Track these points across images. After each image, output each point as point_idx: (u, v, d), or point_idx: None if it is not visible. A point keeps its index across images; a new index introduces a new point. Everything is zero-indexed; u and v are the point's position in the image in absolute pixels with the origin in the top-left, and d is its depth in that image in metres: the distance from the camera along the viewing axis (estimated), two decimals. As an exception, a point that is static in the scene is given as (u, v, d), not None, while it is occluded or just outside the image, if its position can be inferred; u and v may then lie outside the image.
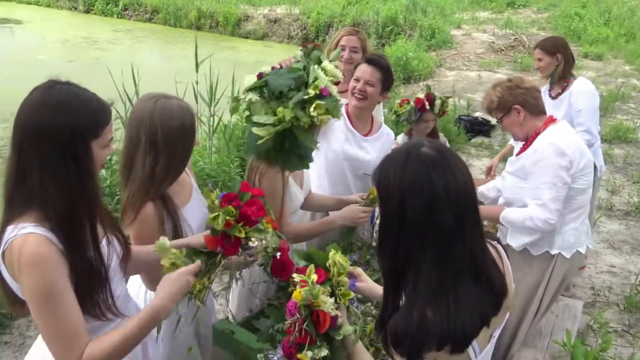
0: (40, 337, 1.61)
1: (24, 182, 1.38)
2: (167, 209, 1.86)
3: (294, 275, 1.55)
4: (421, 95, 3.63)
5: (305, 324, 1.48)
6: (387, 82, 2.67)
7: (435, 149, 1.28)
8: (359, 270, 1.79)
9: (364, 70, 2.63)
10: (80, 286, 1.41)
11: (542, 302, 2.59)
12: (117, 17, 16.48)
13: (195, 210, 2.00)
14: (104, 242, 1.53)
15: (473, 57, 11.59)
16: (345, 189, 2.76)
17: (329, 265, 1.62)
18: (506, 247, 2.52)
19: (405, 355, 1.25)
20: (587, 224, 2.64)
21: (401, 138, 3.80)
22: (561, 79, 3.61)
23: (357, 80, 2.64)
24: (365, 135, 2.79)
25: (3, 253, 1.37)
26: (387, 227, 1.30)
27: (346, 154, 2.72)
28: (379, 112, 3.30)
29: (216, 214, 1.58)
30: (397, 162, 1.28)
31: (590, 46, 11.85)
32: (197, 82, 5.01)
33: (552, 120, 2.51)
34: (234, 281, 1.82)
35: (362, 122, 2.78)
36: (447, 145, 3.85)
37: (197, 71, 4.97)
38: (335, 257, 1.52)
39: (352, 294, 1.56)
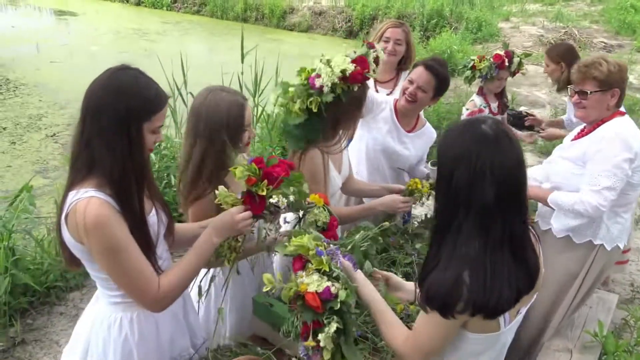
0: (90, 305, 1.78)
1: (86, 150, 1.54)
2: None
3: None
4: (500, 52, 3.68)
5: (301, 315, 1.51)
6: (440, 90, 2.69)
7: (493, 129, 1.36)
8: (385, 274, 1.85)
9: (420, 75, 2.64)
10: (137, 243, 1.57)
11: (579, 293, 2.60)
12: (167, 10, 16.89)
13: None
14: (153, 212, 1.68)
15: (520, 51, 11.36)
16: (382, 178, 2.85)
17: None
18: (545, 233, 2.58)
19: (438, 311, 1.35)
20: (630, 221, 2.63)
21: (477, 100, 3.86)
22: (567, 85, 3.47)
23: (411, 82, 2.66)
24: (409, 131, 2.84)
25: (66, 216, 1.52)
26: (438, 189, 1.42)
27: (386, 146, 2.79)
28: None
29: (237, 166, 1.69)
30: (456, 131, 1.40)
31: (645, 40, 11.42)
32: (242, 73, 5.16)
33: (620, 113, 2.47)
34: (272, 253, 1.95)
35: (407, 119, 2.84)
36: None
37: (242, 62, 5.12)
38: (303, 240, 1.55)
39: (325, 245, 1.58)
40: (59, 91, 8.77)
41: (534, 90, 8.70)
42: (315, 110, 2.07)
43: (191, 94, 5.13)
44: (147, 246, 1.60)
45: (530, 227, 1.51)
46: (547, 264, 2.61)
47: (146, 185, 1.65)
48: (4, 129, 7.20)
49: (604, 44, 11.63)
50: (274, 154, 5.12)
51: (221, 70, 5.54)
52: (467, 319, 1.37)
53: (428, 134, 2.92)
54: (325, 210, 1.91)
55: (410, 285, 1.82)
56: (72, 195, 1.52)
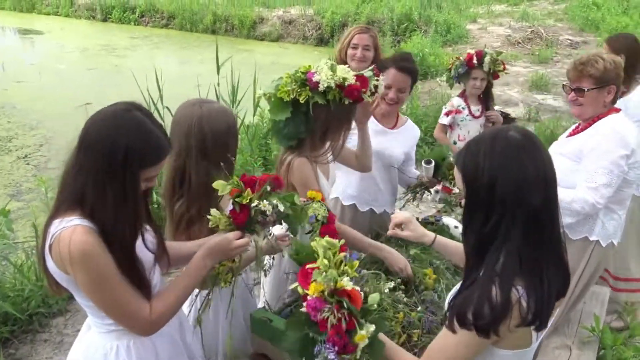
0: (81, 334, 1.70)
1: (75, 183, 1.46)
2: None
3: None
4: (472, 51, 3.68)
5: (344, 307, 1.43)
6: (414, 82, 2.73)
7: (522, 134, 1.35)
8: (406, 217, 1.89)
9: (397, 79, 2.64)
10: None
11: (576, 290, 2.60)
12: (135, 24, 16.70)
13: None
14: (140, 238, 1.60)
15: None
16: (372, 182, 2.82)
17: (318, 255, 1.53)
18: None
19: (481, 328, 1.28)
20: (624, 218, 2.62)
21: (456, 100, 3.85)
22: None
23: (389, 87, 2.65)
24: (391, 128, 2.85)
25: (50, 245, 1.44)
26: (475, 206, 1.35)
27: (372, 147, 2.77)
28: None
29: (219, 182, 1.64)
30: (486, 144, 1.34)
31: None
32: (218, 84, 5.10)
33: (615, 109, 2.47)
34: (264, 272, 1.89)
35: (388, 119, 2.85)
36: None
37: (218, 73, 5.06)
38: (322, 242, 1.51)
39: (357, 263, 1.54)
40: (29, 111, 8.56)
41: (507, 89, 8.82)
42: (302, 101, 2.02)
43: (167, 108, 5.07)
44: (137, 275, 1.53)
45: None
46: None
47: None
48: (-28, 152, 6.99)
49: (569, 41, 11.90)
50: (254, 165, 5.07)
51: (197, 82, 5.47)
52: (506, 335, 1.31)
53: (411, 130, 2.93)
54: (323, 206, 1.88)
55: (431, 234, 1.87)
56: (56, 224, 1.44)
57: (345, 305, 1.39)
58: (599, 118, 2.44)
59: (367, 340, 1.38)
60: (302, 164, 2.17)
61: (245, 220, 1.65)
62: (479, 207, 1.34)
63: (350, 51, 3.21)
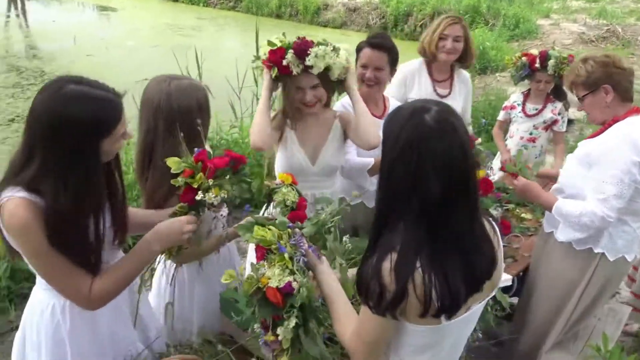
0: (32, 292, 1.73)
1: (29, 161, 1.45)
2: None
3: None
4: (535, 52, 3.50)
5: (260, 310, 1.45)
6: (394, 60, 2.62)
7: (437, 119, 1.25)
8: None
9: (370, 57, 2.57)
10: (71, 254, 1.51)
11: (580, 304, 2.41)
12: (203, 5, 17.07)
13: None
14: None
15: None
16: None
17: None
18: (549, 236, 2.41)
19: (374, 307, 1.26)
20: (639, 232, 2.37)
21: (514, 96, 3.72)
22: None
23: (365, 66, 2.59)
24: (380, 117, 2.72)
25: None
26: (380, 180, 1.32)
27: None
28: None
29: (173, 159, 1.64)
30: (399, 121, 1.28)
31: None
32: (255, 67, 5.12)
33: (636, 110, 2.25)
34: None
35: (374, 103, 2.73)
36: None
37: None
38: (265, 232, 1.47)
39: (290, 232, 1.51)
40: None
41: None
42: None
43: (206, 86, 5.15)
44: (83, 249, 1.53)
45: (487, 218, 1.42)
46: (550, 270, 2.47)
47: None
48: (34, 119, 7.38)
49: (649, 42, 11.10)
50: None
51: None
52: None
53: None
54: (293, 189, 1.83)
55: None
56: (6, 192, 1.45)
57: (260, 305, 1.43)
58: (614, 121, 2.24)
59: (284, 334, 1.41)
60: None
61: (192, 203, 1.65)
62: (381, 183, 1.31)
63: (440, 42, 3.09)
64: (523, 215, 2.92)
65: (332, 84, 2.35)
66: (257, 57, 2.34)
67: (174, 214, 1.69)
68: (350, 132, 2.42)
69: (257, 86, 4.96)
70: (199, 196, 1.62)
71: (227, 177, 1.68)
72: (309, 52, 2.19)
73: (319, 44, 2.24)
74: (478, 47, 9.18)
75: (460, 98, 3.32)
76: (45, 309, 1.62)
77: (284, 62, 2.21)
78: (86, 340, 1.66)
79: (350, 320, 1.41)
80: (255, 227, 1.51)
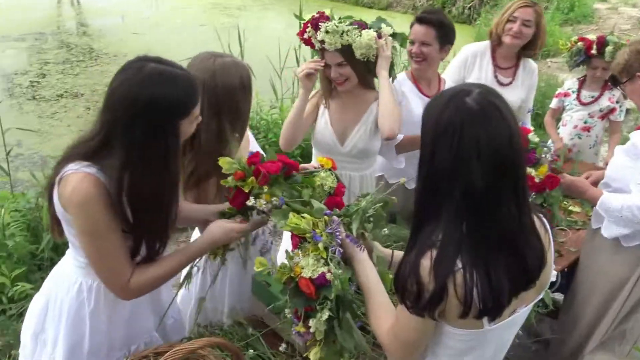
0: (60, 261, 1.75)
1: (105, 146, 1.44)
2: None
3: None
4: (593, 37, 3.35)
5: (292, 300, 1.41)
6: (445, 36, 2.51)
7: (480, 102, 1.15)
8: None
9: (417, 31, 2.51)
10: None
11: (627, 302, 2.29)
12: (250, -15, 17.06)
13: None
14: None
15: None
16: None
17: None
18: (595, 232, 2.30)
19: (412, 307, 1.19)
20: None
21: (569, 82, 3.57)
22: None
23: (412, 42, 2.52)
24: (431, 97, 2.65)
25: (60, 179, 1.45)
26: (420, 169, 1.24)
27: (415, 115, 2.62)
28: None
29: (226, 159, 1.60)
30: (438, 106, 1.19)
31: None
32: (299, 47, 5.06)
33: None
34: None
35: (427, 82, 2.66)
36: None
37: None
38: (299, 220, 1.41)
39: (326, 219, 1.45)
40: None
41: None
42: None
43: (248, 66, 5.13)
44: (149, 235, 1.54)
45: (538, 215, 1.31)
46: (597, 267, 2.34)
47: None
48: (82, 95, 7.57)
49: None
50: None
51: (298, 44, 5.47)
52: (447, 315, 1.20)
53: None
54: (332, 174, 1.78)
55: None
56: (72, 165, 1.44)
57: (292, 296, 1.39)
58: None
59: (316, 326, 1.35)
60: None
61: (240, 207, 1.62)
62: (421, 172, 1.22)
63: (507, 24, 2.96)
64: (571, 207, 2.78)
65: (365, 64, 2.28)
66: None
67: (222, 214, 1.69)
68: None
69: (298, 66, 4.90)
70: (250, 202, 1.57)
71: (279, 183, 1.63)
72: (319, 26, 2.17)
73: (340, 20, 2.19)
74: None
75: (522, 89, 3.17)
76: (72, 285, 1.62)
77: (305, 35, 2.26)
78: (105, 324, 1.66)
79: (387, 316, 1.33)
80: (290, 214, 1.45)
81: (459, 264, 1.13)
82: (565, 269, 2.53)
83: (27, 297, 2.97)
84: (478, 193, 1.13)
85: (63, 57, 9.28)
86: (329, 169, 1.77)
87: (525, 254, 1.19)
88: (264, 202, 1.55)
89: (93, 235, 1.46)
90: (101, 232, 1.45)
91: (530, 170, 2.18)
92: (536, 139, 2.30)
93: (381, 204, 1.64)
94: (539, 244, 1.24)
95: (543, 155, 2.24)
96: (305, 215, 1.45)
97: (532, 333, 2.83)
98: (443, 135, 1.15)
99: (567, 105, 3.55)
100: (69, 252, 1.66)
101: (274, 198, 1.55)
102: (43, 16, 12.26)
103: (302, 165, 2.14)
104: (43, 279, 3.22)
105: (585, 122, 3.50)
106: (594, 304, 2.37)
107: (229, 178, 1.60)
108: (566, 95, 3.56)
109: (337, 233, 1.42)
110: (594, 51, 3.30)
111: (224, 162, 1.59)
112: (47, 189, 1.54)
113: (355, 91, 2.37)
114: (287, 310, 1.44)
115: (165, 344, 1.63)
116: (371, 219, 1.61)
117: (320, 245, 1.37)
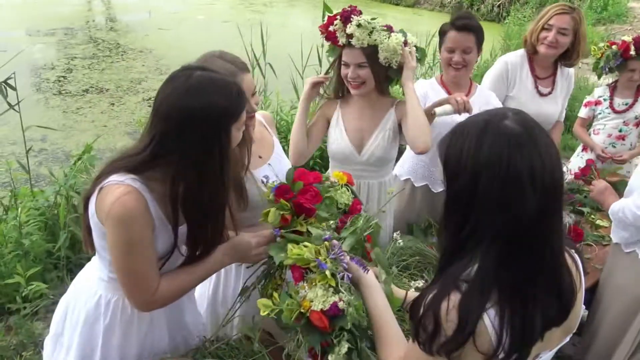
0: (83, 269, 1.72)
1: (156, 163, 1.42)
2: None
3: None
4: (628, 38, 3.22)
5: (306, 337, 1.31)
6: (482, 39, 2.45)
7: (521, 123, 1.07)
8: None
9: (457, 40, 2.42)
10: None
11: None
12: (275, -19, 17.03)
13: (277, 163, 2.01)
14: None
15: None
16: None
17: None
18: (616, 247, 2.19)
19: (423, 343, 1.10)
20: None
21: (599, 90, 3.44)
22: None
23: (452, 51, 2.44)
24: None
25: (100, 189, 1.42)
26: (454, 204, 1.12)
27: (450, 120, 2.57)
28: None
29: (268, 210, 1.52)
30: (473, 133, 1.08)
31: None
32: (322, 45, 4.99)
33: None
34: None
35: (457, 87, 2.58)
36: None
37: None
38: (301, 250, 1.33)
39: (327, 245, 1.37)
40: (162, 57, 9.14)
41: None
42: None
43: (269, 64, 5.09)
44: (193, 245, 1.53)
45: (571, 251, 1.21)
46: (614, 284, 2.23)
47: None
48: (107, 90, 7.63)
49: None
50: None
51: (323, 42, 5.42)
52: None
53: (484, 94, 2.66)
54: (347, 190, 1.70)
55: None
56: (116, 176, 1.41)
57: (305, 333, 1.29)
58: None
59: None
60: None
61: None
62: (457, 206, 1.10)
63: (542, 33, 2.83)
64: (598, 222, 2.64)
65: (386, 70, 2.20)
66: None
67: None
68: (404, 127, 2.28)
69: (320, 66, 4.83)
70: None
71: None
72: (351, 19, 2.10)
73: (372, 19, 2.12)
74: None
75: (561, 98, 3.06)
76: (92, 297, 1.60)
77: (331, 28, 2.18)
78: (118, 340, 1.62)
79: (396, 347, 1.24)
80: (289, 246, 1.37)
81: (490, 304, 1.04)
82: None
83: (42, 297, 2.98)
84: (530, 222, 1.04)
85: (90, 52, 9.38)
86: (346, 184, 1.70)
87: (562, 288, 1.10)
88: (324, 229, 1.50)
89: (128, 250, 1.42)
90: (136, 247, 1.42)
91: None
92: None
93: (372, 229, 1.57)
94: (570, 278, 1.14)
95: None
96: (306, 244, 1.37)
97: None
98: (486, 165, 1.05)
99: (600, 113, 3.41)
100: (94, 263, 1.63)
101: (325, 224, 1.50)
102: (73, 11, 12.45)
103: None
104: (59, 277, 3.29)
105: (620, 131, 3.36)
106: (612, 322, 2.25)
107: (275, 222, 1.52)
108: (597, 103, 3.42)
109: (342, 257, 1.34)
110: (632, 52, 3.15)
111: (266, 214, 1.53)
112: (84, 198, 1.50)
113: (372, 97, 2.29)
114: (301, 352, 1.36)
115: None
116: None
117: (327, 272, 1.28)
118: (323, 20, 2.28)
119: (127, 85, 7.84)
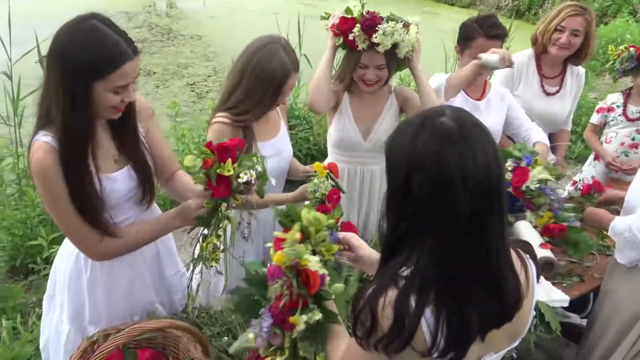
0: None
1: (46, 96, 1.51)
2: (245, 136, 1.97)
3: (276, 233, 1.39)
4: None
5: (295, 285, 1.31)
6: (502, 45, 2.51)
7: (457, 120, 1.05)
8: (353, 240, 1.52)
9: (487, 49, 2.40)
10: (78, 206, 1.54)
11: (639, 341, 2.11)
12: (332, -25, 17.09)
13: (280, 144, 2.13)
14: (120, 171, 1.63)
15: None
16: None
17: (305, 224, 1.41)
18: (615, 260, 2.14)
19: (360, 337, 1.10)
20: None
21: (612, 97, 3.38)
22: None
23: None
24: (478, 99, 2.64)
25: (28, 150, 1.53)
26: (390, 202, 1.13)
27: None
28: None
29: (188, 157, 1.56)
30: (409, 131, 1.08)
31: None
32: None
33: None
34: (245, 238, 1.89)
35: (475, 88, 2.64)
36: None
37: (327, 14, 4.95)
38: (310, 215, 1.38)
39: (336, 247, 1.39)
40: (210, 44, 9.38)
41: None
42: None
43: (305, 55, 5.15)
44: (90, 205, 1.54)
45: (521, 253, 1.21)
46: (611, 294, 2.17)
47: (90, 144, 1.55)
48: (154, 73, 7.91)
49: None
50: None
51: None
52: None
53: (499, 91, 2.70)
54: (327, 180, 1.75)
55: None
56: (39, 134, 1.51)
57: (295, 284, 1.28)
58: None
59: (303, 325, 1.26)
60: None
61: (228, 194, 1.57)
62: (394, 203, 1.11)
63: (554, 34, 2.84)
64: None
65: (395, 61, 2.24)
66: (327, 16, 2.30)
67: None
68: (410, 110, 2.36)
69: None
70: (242, 178, 1.52)
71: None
72: (377, 28, 2.10)
73: (388, 19, 2.14)
74: (616, 39, 8.27)
75: (570, 97, 3.03)
76: (70, 255, 1.71)
77: (350, 37, 2.16)
78: (103, 294, 1.73)
79: (341, 342, 1.25)
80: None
81: (427, 300, 1.04)
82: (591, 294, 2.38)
83: (62, 260, 3.16)
84: (463, 221, 1.03)
85: (143, 36, 9.71)
86: (328, 175, 1.75)
87: (502, 288, 1.09)
88: (251, 171, 1.53)
89: (52, 204, 1.52)
90: (56, 199, 1.50)
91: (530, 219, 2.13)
92: (517, 153, 2.19)
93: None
94: (516, 281, 1.13)
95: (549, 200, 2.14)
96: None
97: (556, 357, 2.70)
98: (420, 161, 1.05)
99: (612, 121, 3.31)
100: None
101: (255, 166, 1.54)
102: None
103: (304, 167, 2.16)
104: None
105: (633, 139, 3.26)
106: (608, 334, 2.20)
107: (200, 172, 1.54)
108: (610, 110, 3.33)
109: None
110: None
111: (188, 160, 1.55)
112: None
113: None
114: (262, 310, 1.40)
115: (129, 322, 1.67)
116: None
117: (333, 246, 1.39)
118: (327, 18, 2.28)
119: (174, 70, 8.09)
